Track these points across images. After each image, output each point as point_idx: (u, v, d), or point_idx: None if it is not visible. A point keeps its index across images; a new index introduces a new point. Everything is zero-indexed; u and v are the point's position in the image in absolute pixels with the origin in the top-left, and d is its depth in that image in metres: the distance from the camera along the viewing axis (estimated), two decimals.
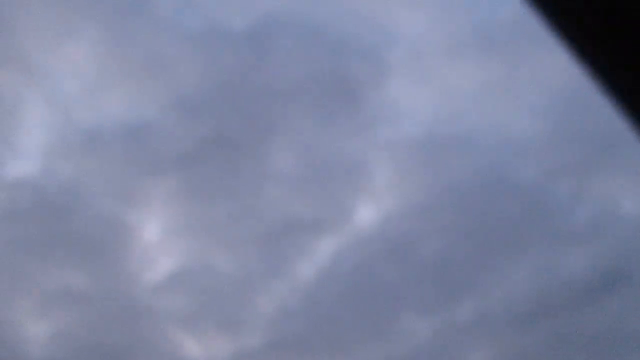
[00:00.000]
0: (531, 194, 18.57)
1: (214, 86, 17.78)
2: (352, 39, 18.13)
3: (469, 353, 18.13)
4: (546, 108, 18.25)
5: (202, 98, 17.91)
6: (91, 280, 17.70)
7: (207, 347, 17.74)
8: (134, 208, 17.62)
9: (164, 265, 17.98)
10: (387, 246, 18.57)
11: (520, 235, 18.28)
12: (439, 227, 18.66)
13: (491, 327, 18.03)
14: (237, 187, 18.13)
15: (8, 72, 18.95)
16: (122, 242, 17.60)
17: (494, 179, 18.41)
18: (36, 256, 18.91)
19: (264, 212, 18.32)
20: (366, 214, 18.68)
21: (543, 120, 18.37)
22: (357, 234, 18.55)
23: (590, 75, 1.58)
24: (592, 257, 17.81)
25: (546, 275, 18.10)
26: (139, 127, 17.93)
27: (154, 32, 17.68)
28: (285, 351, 18.02)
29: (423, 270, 18.70)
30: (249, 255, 18.22)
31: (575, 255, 18.02)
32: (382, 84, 18.66)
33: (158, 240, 17.65)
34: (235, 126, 18.04)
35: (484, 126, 18.71)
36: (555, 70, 16.48)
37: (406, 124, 18.82)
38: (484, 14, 18.81)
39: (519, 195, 18.49)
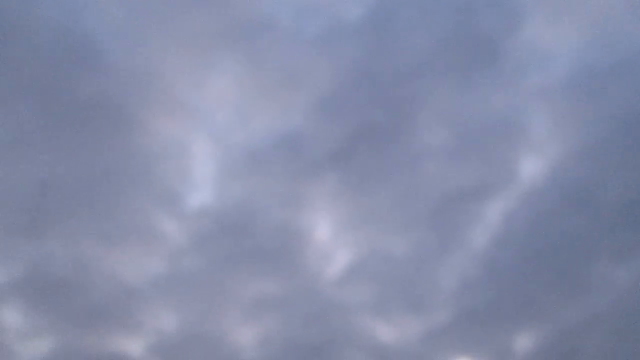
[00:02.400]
0: None
1: (349, 80, 14.44)
2: None
3: None
4: None
5: (340, 94, 14.52)
6: (281, 285, 14.73)
7: (399, 330, 10.62)
8: (303, 211, 15.22)
9: (342, 259, 14.43)
10: (561, 197, 9.55)
11: None
12: (615, 164, 9.23)
13: None
14: (395, 170, 10.80)
15: (170, 117, 14.52)
16: (299, 245, 14.76)
17: None
18: (231, 272, 14.66)
19: (426, 189, 10.74)
20: (531, 168, 9.90)
21: None
22: (526, 190, 9.83)
23: None
24: None
25: None
26: (290, 136, 14.40)
27: (280, 45, 11.88)
28: (476, 323, 9.80)
29: (608, 215, 9.40)
30: (421, 234, 11.17)
31: None
32: (517, 30, 9.96)
33: (331, 237, 14.68)
34: (379, 113, 11.99)
35: None
36: None
37: (554, 64, 9.91)
38: None
39: None
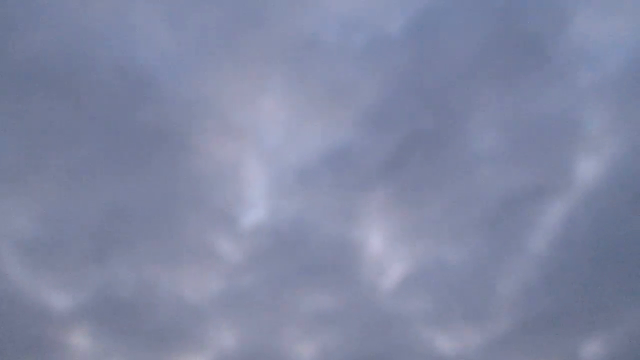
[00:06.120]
0: None
1: (395, 91, 13.20)
2: None
3: None
4: None
5: (387, 106, 13.17)
6: (338, 299, 13.78)
7: (458, 340, 8.87)
8: (356, 225, 13.75)
9: (397, 270, 13.46)
10: (621, 195, 7.87)
11: None
12: None
13: None
14: (447, 178, 9.55)
15: (223, 140, 13.94)
16: (354, 258, 13.79)
17: None
18: (287, 288, 13.90)
19: (480, 195, 9.27)
20: (589, 168, 8.23)
21: None
22: (585, 190, 8.13)
23: None
24: None
25: None
26: (339, 151, 13.35)
27: (326, 61, 12.63)
28: (538, 330, 8.05)
29: None
30: (478, 241, 9.37)
31: None
32: (565, 27, 8.30)
33: (385, 249, 13.77)
34: (428, 121, 10.76)
35: None
36: None
37: (606, 60, 8.27)
38: None
39: None
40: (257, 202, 13.42)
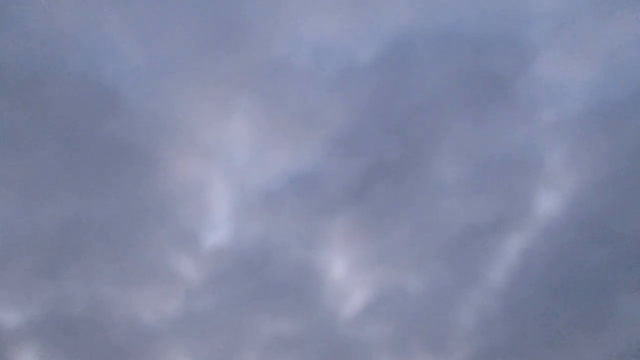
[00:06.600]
0: None
1: (364, 119, 13.38)
2: (489, 31, 8.48)
3: None
4: None
5: (355, 133, 13.22)
6: (298, 324, 13.42)
7: None
8: (320, 250, 13.65)
9: (359, 297, 13.18)
10: (579, 231, 7.97)
11: None
12: (632, 197, 7.68)
13: None
14: (411, 206, 9.51)
15: (188, 159, 13.62)
16: (315, 283, 13.47)
17: None
18: (248, 311, 13.42)
19: (442, 224, 9.19)
20: (548, 202, 8.36)
21: None
22: (544, 224, 8.20)
23: None
24: None
25: None
26: (305, 175, 13.28)
27: (296, 86, 11.06)
28: None
29: (627, 248, 7.66)
30: (438, 270, 9.41)
31: None
32: (530, 66, 8.55)
33: (348, 275, 13.50)
34: (394, 150, 10.63)
35: None
36: None
37: (568, 98, 8.47)
38: None
39: None
40: (220, 223, 13.24)
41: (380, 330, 12.36)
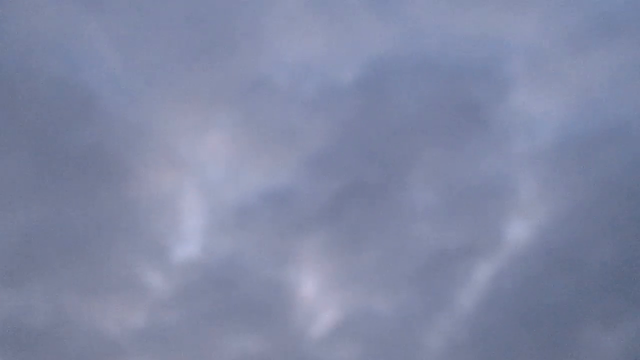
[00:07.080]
0: None
1: (340, 140, 13.00)
2: (466, 60, 8.66)
3: None
4: None
5: (331, 153, 12.54)
6: (265, 342, 13.13)
7: None
8: (290, 269, 13.26)
9: (327, 317, 13.09)
10: (548, 261, 8.00)
11: None
12: (601, 229, 7.80)
13: None
14: (383, 229, 9.27)
15: (162, 170, 13.38)
16: (285, 302, 13.39)
17: None
18: (215, 327, 13.11)
19: (413, 249, 8.99)
20: (518, 231, 8.33)
21: None
22: (513, 253, 8.24)
23: None
24: None
25: None
26: (279, 193, 13.14)
27: (275, 104, 10.58)
28: None
29: (595, 280, 7.80)
30: (408, 294, 9.31)
31: None
32: (505, 98, 8.53)
33: (318, 295, 13.46)
34: (369, 172, 9.88)
35: (629, 115, 7.91)
36: None
37: (540, 131, 8.65)
38: None
39: None
40: (191, 237, 13.05)
41: (348, 352, 12.28)
